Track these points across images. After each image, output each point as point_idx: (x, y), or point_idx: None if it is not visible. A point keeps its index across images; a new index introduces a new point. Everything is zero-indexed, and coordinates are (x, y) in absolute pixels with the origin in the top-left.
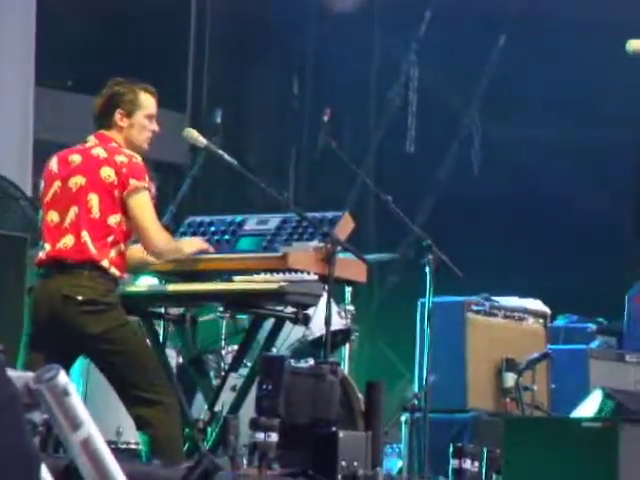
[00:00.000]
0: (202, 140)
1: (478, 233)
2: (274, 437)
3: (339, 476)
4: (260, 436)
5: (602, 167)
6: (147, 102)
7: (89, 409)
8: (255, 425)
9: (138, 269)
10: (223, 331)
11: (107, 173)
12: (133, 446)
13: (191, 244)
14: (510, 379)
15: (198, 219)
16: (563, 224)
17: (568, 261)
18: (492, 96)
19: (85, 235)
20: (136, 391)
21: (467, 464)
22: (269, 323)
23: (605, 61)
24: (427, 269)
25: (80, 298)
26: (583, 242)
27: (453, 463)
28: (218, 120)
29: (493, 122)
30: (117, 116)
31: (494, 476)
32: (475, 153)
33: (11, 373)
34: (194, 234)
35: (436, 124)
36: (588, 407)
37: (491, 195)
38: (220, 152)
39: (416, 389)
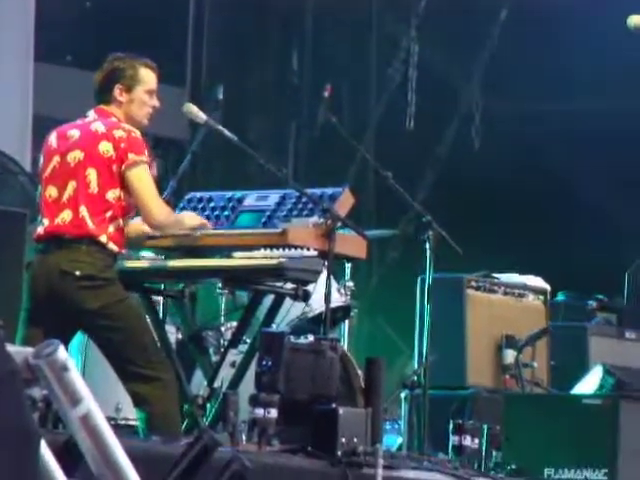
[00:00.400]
0: (202, 116)
1: (478, 209)
2: (273, 413)
3: (339, 452)
4: (259, 412)
5: (603, 142)
6: (147, 77)
7: (88, 385)
8: (254, 401)
9: (137, 244)
10: (222, 307)
11: (105, 148)
12: (132, 422)
13: (192, 217)
14: (510, 356)
15: (198, 195)
16: (563, 200)
17: (568, 238)
18: (493, 71)
19: (83, 210)
20: (133, 367)
21: (467, 441)
22: (269, 299)
23: (607, 35)
24: (427, 245)
25: (78, 273)
26: (583, 218)
27: (453, 440)
28: (220, 96)
29: (494, 98)
30: (116, 91)
31: (494, 452)
32: (476, 129)
33: (10, 348)
34: (194, 210)
35: (436, 100)
36: (588, 384)
37: (492, 171)
38: (220, 127)
39: (416, 366)
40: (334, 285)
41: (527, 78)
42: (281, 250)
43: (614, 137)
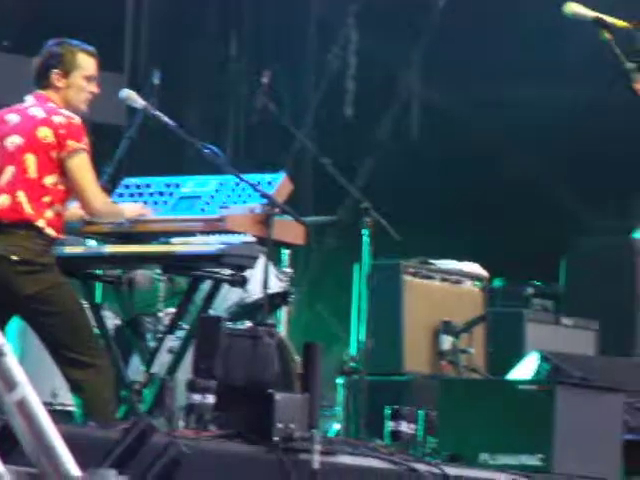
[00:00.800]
0: (140, 101)
1: (416, 196)
2: (211, 399)
3: (275, 438)
4: (197, 398)
5: (540, 128)
6: (85, 63)
7: (25, 370)
8: (192, 387)
9: (76, 230)
10: (161, 293)
11: (44, 133)
12: (69, 408)
13: (131, 209)
14: (447, 342)
15: (135, 180)
16: (503, 187)
17: (507, 224)
18: (432, 58)
19: (21, 195)
20: (69, 353)
21: (403, 426)
22: (206, 285)
23: (545, 22)
24: (365, 232)
25: (15, 258)
26: (522, 205)
27: (390, 425)
28: (156, 81)
29: (433, 85)
30: (54, 76)
31: (430, 438)
32: (414, 116)
33: None
34: (131, 196)
35: (375, 87)
36: (524, 370)
37: (430, 158)
38: (158, 113)
39: (353, 352)
40: (272, 271)
41: (465, 65)
42: (219, 236)
43: (551, 124)
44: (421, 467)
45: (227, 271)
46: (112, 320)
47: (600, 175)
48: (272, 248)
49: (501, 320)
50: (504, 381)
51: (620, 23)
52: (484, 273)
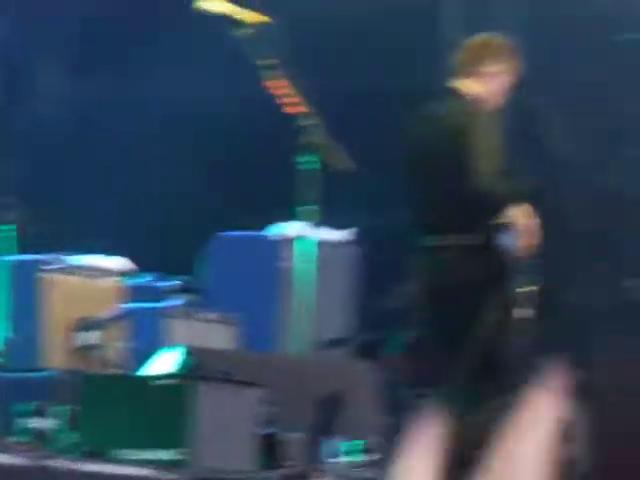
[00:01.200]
0: None
1: (67, 191)
2: None
3: None
4: None
5: (186, 128)
6: None
7: None
8: None
9: None
10: None
11: None
12: None
13: None
14: (86, 337)
15: None
16: (144, 185)
17: (151, 220)
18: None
19: None
20: None
21: (42, 423)
22: None
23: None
24: (8, 226)
25: None
26: (166, 202)
27: (28, 422)
28: None
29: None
30: None
31: (71, 434)
32: (57, 107)
33: None
34: None
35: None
36: (162, 365)
37: (73, 159)
38: None
39: None
40: None
41: (119, 56)
42: None
43: (200, 126)
44: (58, 463)
45: None
46: None
47: (246, 175)
48: None
49: (142, 315)
50: (143, 377)
51: (252, 18)
52: (128, 268)
